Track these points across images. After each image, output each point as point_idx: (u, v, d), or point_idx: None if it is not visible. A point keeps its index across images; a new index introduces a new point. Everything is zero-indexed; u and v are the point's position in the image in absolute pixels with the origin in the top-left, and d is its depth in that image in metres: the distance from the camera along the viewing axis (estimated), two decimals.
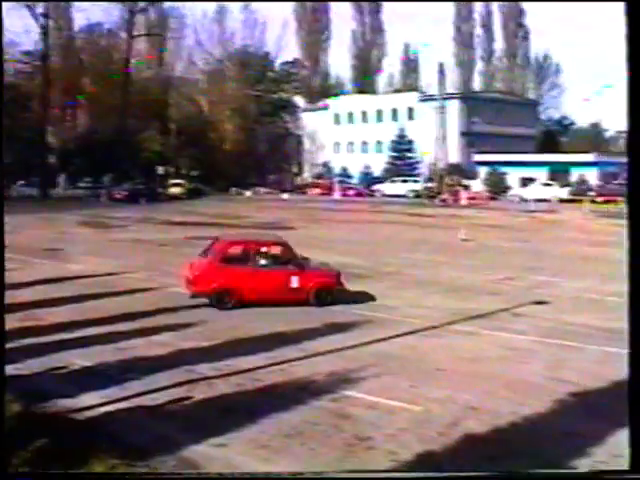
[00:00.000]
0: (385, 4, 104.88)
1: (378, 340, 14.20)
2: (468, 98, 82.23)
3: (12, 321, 15.19)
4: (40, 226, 38.43)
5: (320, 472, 9.02)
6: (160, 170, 74.81)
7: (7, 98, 76.76)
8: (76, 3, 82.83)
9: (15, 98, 78.43)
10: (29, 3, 69.13)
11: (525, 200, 56.30)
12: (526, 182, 65.91)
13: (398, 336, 14.60)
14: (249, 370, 12.11)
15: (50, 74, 74.90)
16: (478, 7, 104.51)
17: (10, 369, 11.99)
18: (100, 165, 69.75)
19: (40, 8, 70.11)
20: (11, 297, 17.89)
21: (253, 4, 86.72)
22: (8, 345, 13.21)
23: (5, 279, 7.37)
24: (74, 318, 15.66)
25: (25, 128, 76.71)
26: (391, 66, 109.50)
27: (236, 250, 18.12)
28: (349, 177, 78.73)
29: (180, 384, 11.35)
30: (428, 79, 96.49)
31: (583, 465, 8.60)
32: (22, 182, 75.05)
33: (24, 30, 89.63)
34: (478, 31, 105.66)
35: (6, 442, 7.73)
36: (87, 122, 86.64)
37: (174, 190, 66.69)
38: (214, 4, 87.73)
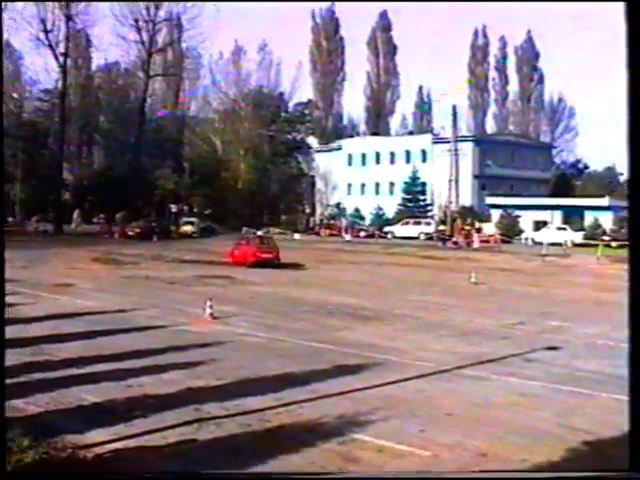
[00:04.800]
0: (400, 47, 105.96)
1: (387, 383, 14.09)
2: (481, 141, 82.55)
3: (23, 356, 15.27)
4: (53, 261, 38.62)
5: (320, 473, 8.96)
6: (173, 208, 75.24)
7: (25, 135, 77.94)
8: (95, 42, 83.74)
9: (33, 135, 79.44)
10: (50, 42, 70.16)
11: (538, 244, 56.17)
12: (539, 225, 65.86)
13: (407, 379, 14.49)
14: (257, 411, 12.02)
15: (68, 112, 75.77)
16: (494, 49, 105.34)
17: (20, 403, 12.04)
18: (114, 202, 70.15)
19: (61, 48, 71.19)
20: (22, 332, 18.07)
21: (269, 45, 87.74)
22: (19, 379, 13.38)
23: (5, 283, 7.33)
24: (83, 354, 15.64)
25: (42, 164, 77.61)
26: (406, 105, 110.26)
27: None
28: (361, 218, 78.81)
29: (188, 423, 11.27)
30: (441, 121, 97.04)
31: None
32: (37, 217, 75.59)
33: (44, 68, 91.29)
34: (493, 74, 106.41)
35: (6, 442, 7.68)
36: (102, 159, 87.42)
37: (186, 228, 67.00)
38: (231, 45, 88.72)
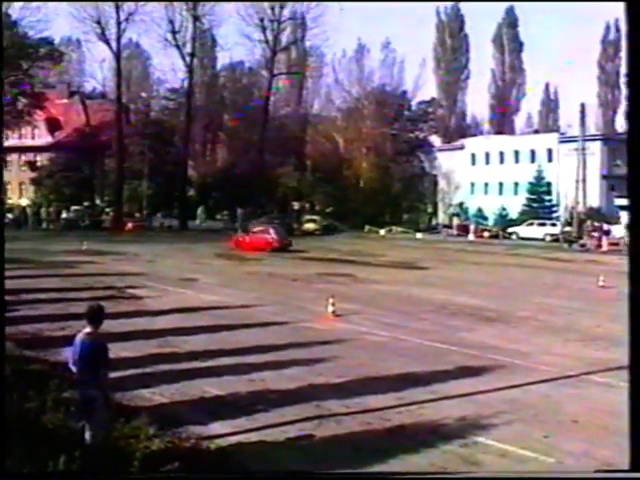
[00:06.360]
0: (526, 43, 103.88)
1: (511, 387, 13.79)
2: (611, 140, 79.72)
3: (149, 347, 15.73)
4: (178, 256, 39.63)
5: (324, 472, 8.84)
6: (296, 205, 75.89)
7: (152, 133, 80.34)
8: (221, 42, 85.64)
9: (160, 133, 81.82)
10: (177, 43, 72.15)
11: None
12: None
13: (532, 383, 14.14)
14: (378, 409, 11.96)
15: (193, 110, 77.59)
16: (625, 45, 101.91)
17: (146, 393, 12.38)
18: (238, 199, 71.36)
19: (187, 48, 73.09)
20: (149, 324, 18.59)
21: (393, 43, 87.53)
22: (146, 370, 13.77)
23: (4, 279, 7.49)
24: (207, 347, 15.96)
25: (168, 162, 79.83)
26: (531, 104, 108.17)
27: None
28: (484, 219, 77.56)
29: (309, 419, 11.32)
30: (568, 120, 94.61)
31: None
32: (163, 213, 77.76)
33: (171, 68, 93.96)
34: (624, 70, 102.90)
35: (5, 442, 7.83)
36: (226, 157, 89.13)
37: (309, 226, 67.48)
38: (354, 43, 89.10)
